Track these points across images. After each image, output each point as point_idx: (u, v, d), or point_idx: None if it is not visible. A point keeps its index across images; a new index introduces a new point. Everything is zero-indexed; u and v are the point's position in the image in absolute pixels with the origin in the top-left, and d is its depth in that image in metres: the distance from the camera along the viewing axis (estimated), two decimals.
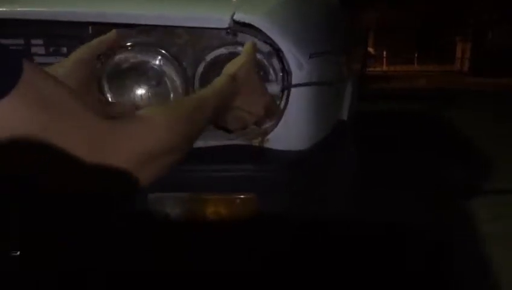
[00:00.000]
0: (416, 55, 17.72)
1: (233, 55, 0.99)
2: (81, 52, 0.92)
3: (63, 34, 1.00)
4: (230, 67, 0.91)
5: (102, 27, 1.02)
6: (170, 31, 1.03)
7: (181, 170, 1.01)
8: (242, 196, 1.01)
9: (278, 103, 1.04)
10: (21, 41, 1.01)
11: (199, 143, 1.04)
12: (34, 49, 1.01)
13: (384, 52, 16.44)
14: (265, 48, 1.03)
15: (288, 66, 1.00)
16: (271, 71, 1.05)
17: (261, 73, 1.04)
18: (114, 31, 0.99)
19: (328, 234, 1.21)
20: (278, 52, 1.00)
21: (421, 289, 1.69)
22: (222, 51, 1.03)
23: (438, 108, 6.41)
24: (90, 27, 1.00)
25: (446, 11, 17.85)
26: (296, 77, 1.00)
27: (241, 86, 0.90)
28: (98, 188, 0.55)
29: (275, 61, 1.04)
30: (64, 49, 1.01)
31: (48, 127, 0.47)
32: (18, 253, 0.88)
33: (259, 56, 1.02)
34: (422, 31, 19.67)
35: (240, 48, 1.02)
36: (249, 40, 0.99)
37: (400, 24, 18.68)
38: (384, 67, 16.10)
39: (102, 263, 1.14)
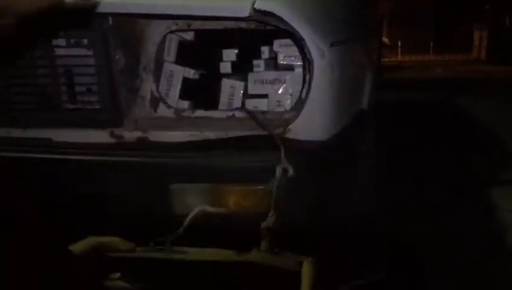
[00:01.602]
0: (431, 44, 17.44)
1: None
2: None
3: (83, 25, 1.00)
4: None
5: (122, 18, 1.02)
6: None
7: (202, 160, 1.01)
8: (263, 187, 1.00)
9: None
10: None
11: (220, 134, 1.03)
12: (55, 41, 1.01)
13: (399, 42, 16.20)
14: None
15: (310, 54, 0.98)
16: None
17: None
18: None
19: (348, 224, 1.20)
20: (299, 40, 0.98)
21: (442, 278, 1.67)
22: None
23: (455, 97, 6.32)
24: (110, 18, 1.00)
25: None
26: (318, 65, 0.99)
27: None
28: None
29: None
30: (85, 41, 1.01)
31: None
32: None
33: None
34: (437, 20, 19.36)
35: None
36: None
37: (415, 13, 18.42)
38: (399, 57, 15.89)
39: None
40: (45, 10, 0.64)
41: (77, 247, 0.80)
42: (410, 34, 17.47)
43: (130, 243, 0.89)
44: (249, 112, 1.09)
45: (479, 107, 5.43)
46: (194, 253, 0.96)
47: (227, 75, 1.17)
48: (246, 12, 0.95)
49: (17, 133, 1.10)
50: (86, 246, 0.81)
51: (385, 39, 13.24)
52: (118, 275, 0.92)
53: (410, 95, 6.64)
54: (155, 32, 1.11)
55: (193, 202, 1.02)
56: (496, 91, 7.18)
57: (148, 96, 1.15)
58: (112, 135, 1.08)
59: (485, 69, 11.86)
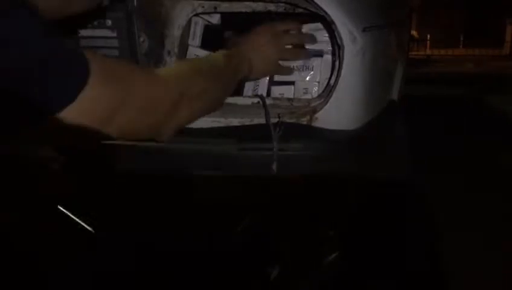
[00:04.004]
0: (462, 38, 16.99)
1: None
2: None
3: (107, 6, 0.98)
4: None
5: None
6: None
7: (228, 148, 0.98)
8: (289, 176, 0.96)
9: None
10: None
11: (245, 121, 1.00)
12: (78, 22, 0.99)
13: (428, 36, 15.83)
14: None
15: (341, 39, 0.94)
16: None
17: None
18: None
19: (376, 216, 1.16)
20: (329, 24, 0.94)
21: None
22: None
23: (485, 93, 6.13)
24: None
25: None
26: (349, 51, 0.94)
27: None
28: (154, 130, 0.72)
29: None
30: (109, 22, 0.98)
31: (121, 96, 0.61)
32: None
33: None
34: (469, 13, 18.83)
35: None
36: None
37: (445, 5, 17.94)
38: (428, 51, 15.54)
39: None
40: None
41: None
42: (439, 28, 17.06)
43: None
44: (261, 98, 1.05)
45: (509, 104, 5.26)
46: None
47: None
48: None
49: None
50: None
51: (414, 32, 12.93)
52: None
53: (440, 90, 6.50)
54: (180, 14, 1.07)
55: None
56: None
57: None
58: None
59: None
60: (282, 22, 1.00)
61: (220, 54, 0.89)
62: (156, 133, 0.74)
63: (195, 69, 0.82)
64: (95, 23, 0.99)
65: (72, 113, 0.53)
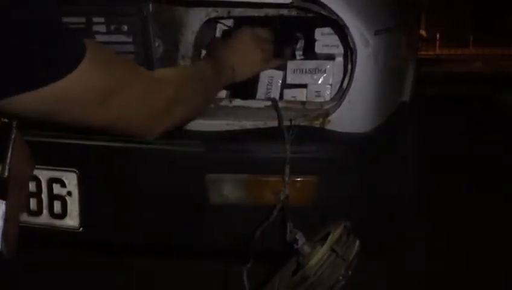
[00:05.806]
0: (471, 37, 16.87)
1: None
2: None
3: (124, 11, 1.00)
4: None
5: (162, 4, 1.01)
6: None
7: (241, 150, 1.00)
8: (302, 179, 0.98)
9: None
10: (82, 19, 1.01)
11: (259, 124, 1.01)
12: (95, 28, 1.01)
13: (438, 35, 15.74)
14: None
15: (353, 43, 0.95)
16: None
17: None
18: None
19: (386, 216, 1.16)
20: (342, 28, 0.95)
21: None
22: None
23: (493, 92, 6.09)
24: (150, 4, 0.99)
25: None
26: (362, 54, 0.95)
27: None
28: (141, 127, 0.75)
29: None
30: (125, 27, 1.00)
31: (114, 83, 0.64)
32: None
33: None
34: (478, 11, 18.70)
35: None
36: None
37: (454, 4, 17.83)
38: (437, 51, 15.45)
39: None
40: None
41: None
42: (449, 27, 16.95)
43: None
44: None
45: None
46: None
47: None
48: None
49: None
50: None
51: (422, 32, 12.85)
52: None
53: (449, 89, 6.47)
54: (194, 19, 1.09)
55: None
56: None
57: None
58: None
59: None
60: (262, 30, 1.09)
61: (207, 64, 0.98)
62: (147, 128, 0.76)
63: (187, 74, 0.89)
64: (112, 28, 1.01)
65: (65, 83, 0.55)
